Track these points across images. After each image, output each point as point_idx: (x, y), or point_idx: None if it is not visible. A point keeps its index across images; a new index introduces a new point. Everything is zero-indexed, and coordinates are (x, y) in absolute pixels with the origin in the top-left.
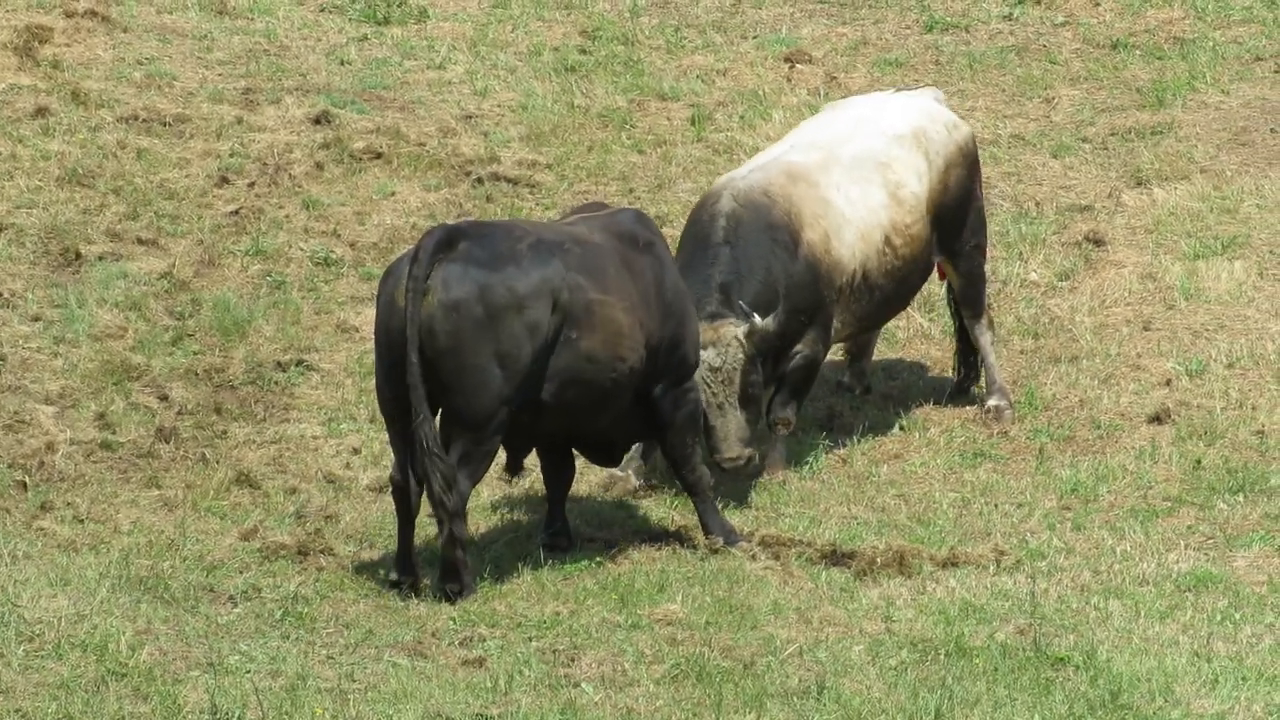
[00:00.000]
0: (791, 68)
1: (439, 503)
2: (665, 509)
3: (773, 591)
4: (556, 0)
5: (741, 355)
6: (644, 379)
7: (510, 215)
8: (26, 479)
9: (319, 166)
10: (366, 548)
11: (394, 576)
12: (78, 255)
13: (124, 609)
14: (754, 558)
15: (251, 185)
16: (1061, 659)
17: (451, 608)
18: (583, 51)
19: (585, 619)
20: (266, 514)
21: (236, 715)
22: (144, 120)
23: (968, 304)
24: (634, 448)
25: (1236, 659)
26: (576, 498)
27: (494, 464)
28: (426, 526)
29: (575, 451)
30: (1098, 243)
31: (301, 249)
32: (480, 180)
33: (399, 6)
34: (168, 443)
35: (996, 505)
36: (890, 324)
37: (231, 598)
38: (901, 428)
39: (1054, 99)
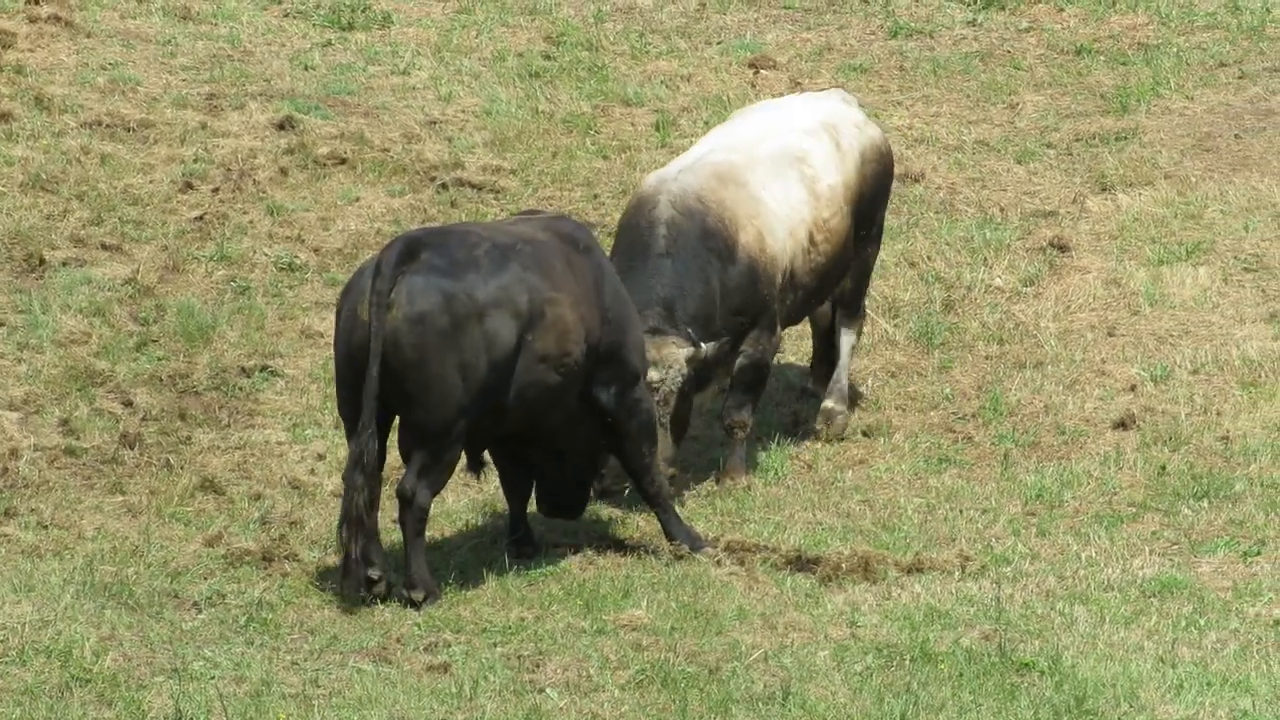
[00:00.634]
0: (756, 73)
1: (358, 520)
2: (630, 514)
3: (738, 597)
4: (521, 6)
5: (681, 379)
6: (586, 379)
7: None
8: None
9: (283, 172)
10: (331, 553)
11: (373, 574)
12: (42, 261)
13: (88, 615)
14: (719, 563)
15: (216, 191)
16: (1026, 664)
17: (416, 614)
18: (547, 57)
19: (550, 624)
20: (231, 520)
21: None
22: (108, 126)
23: (845, 304)
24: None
25: (1201, 664)
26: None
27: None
28: (393, 532)
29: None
30: (1062, 248)
31: (266, 254)
32: (445, 186)
33: (363, 12)
34: (132, 449)
35: (961, 511)
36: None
37: (196, 604)
38: (866, 433)
39: (1018, 105)
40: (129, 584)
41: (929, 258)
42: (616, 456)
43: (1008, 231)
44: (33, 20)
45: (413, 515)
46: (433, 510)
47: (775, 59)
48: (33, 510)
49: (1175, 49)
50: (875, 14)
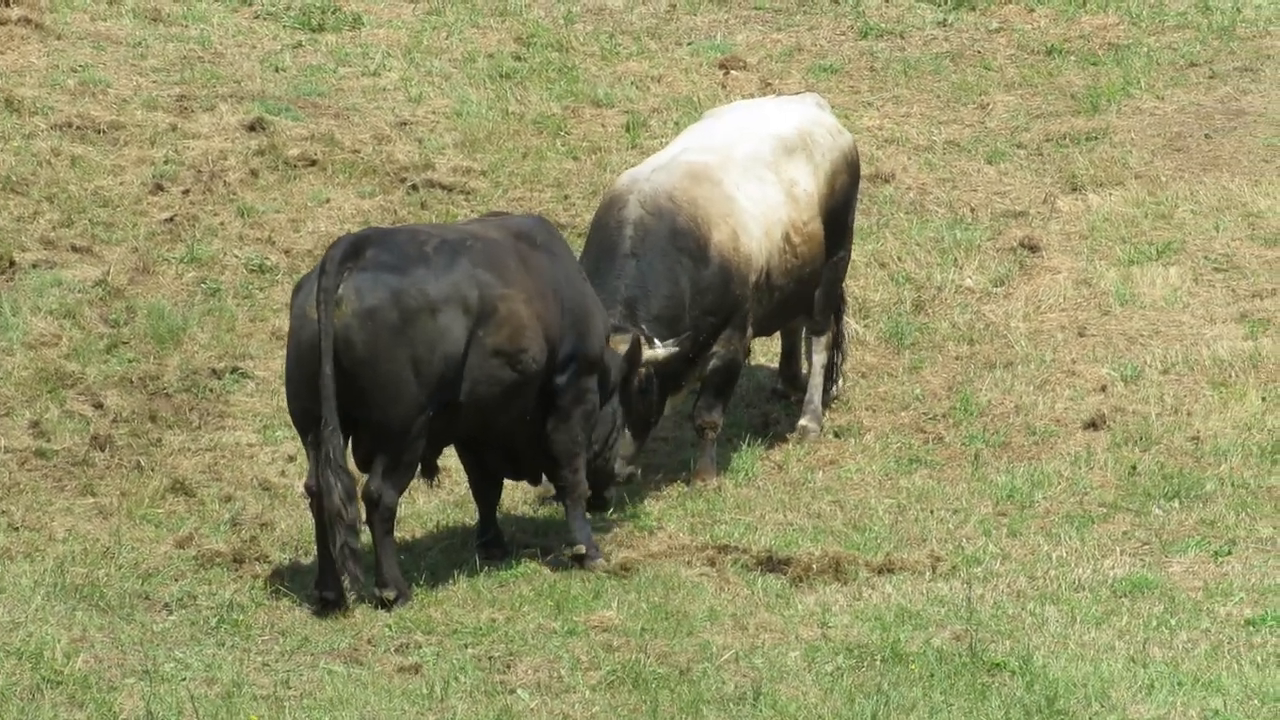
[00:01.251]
0: (726, 74)
1: (337, 516)
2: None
3: (709, 598)
4: (491, 7)
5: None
6: (546, 375)
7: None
8: None
9: (253, 173)
10: (302, 555)
11: (327, 595)
12: (12, 263)
13: (59, 617)
14: (689, 564)
15: (186, 192)
16: (997, 665)
17: (387, 615)
18: (517, 58)
19: (521, 625)
20: (202, 521)
21: None
22: (78, 127)
23: (814, 317)
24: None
25: (1172, 664)
26: (514, 504)
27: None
28: (362, 534)
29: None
30: (1033, 248)
31: (236, 256)
32: (415, 187)
33: (333, 14)
34: (102, 450)
35: (932, 511)
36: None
37: (167, 605)
38: (837, 434)
39: (989, 105)
40: (100, 586)
41: (899, 258)
42: (549, 439)
43: (978, 232)
44: (3, 22)
45: (380, 517)
46: (403, 511)
47: (745, 60)
48: (3, 512)
49: (1146, 49)
50: (845, 15)
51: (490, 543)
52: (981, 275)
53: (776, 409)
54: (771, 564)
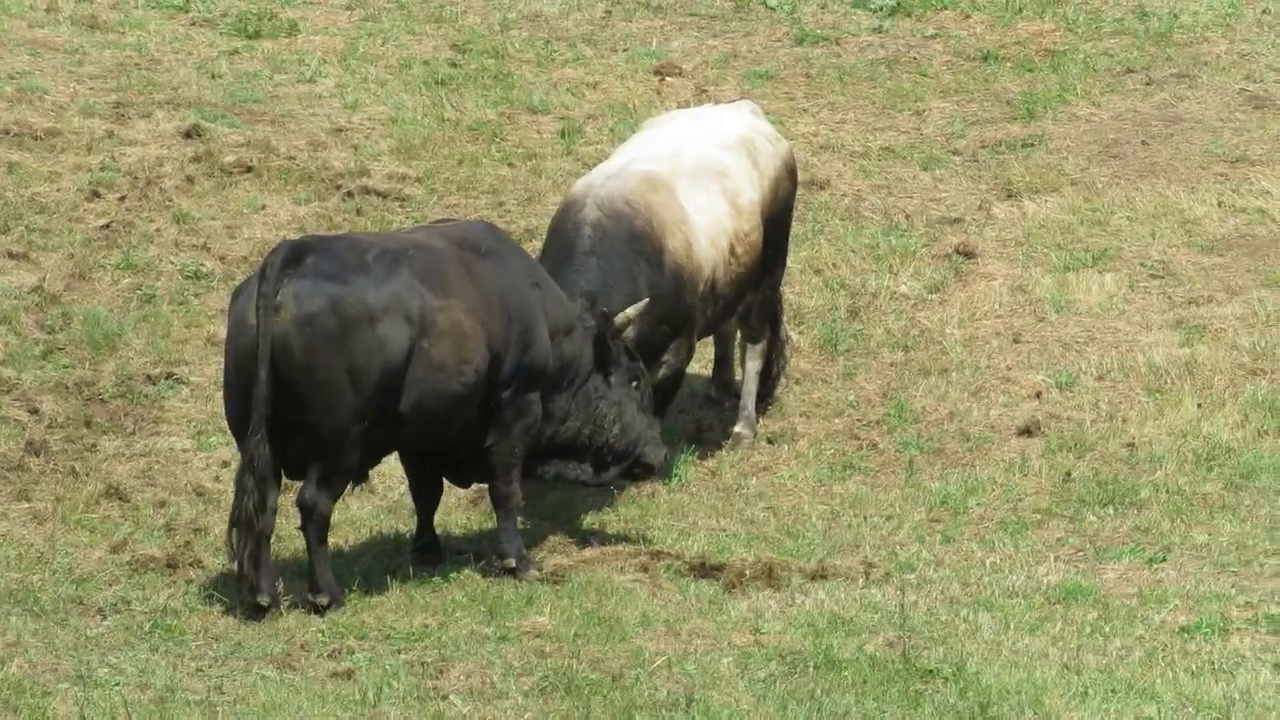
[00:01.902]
0: (662, 80)
1: (248, 522)
2: (531, 519)
3: (641, 604)
4: (426, 14)
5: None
6: (489, 386)
7: (381, 229)
8: None
9: (189, 180)
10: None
11: (262, 600)
12: None
13: None
14: (622, 570)
15: (122, 199)
16: (930, 671)
17: (320, 620)
18: (453, 65)
19: (454, 631)
20: (136, 527)
21: None
22: (15, 134)
23: (747, 324)
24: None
25: (1106, 671)
26: (445, 510)
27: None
28: (296, 539)
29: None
30: (968, 255)
31: (172, 263)
32: (350, 194)
33: (269, 20)
34: (37, 456)
35: (865, 518)
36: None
37: (101, 610)
38: (770, 440)
39: (924, 111)
40: (34, 591)
41: (834, 265)
42: (489, 450)
43: (913, 238)
44: None
45: (314, 524)
46: (336, 517)
47: (681, 66)
48: None
49: (1082, 55)
50: (781, 21)
51: (426, 547)
52: (916, 282)
53: (710, 415)
54: (704, 570)
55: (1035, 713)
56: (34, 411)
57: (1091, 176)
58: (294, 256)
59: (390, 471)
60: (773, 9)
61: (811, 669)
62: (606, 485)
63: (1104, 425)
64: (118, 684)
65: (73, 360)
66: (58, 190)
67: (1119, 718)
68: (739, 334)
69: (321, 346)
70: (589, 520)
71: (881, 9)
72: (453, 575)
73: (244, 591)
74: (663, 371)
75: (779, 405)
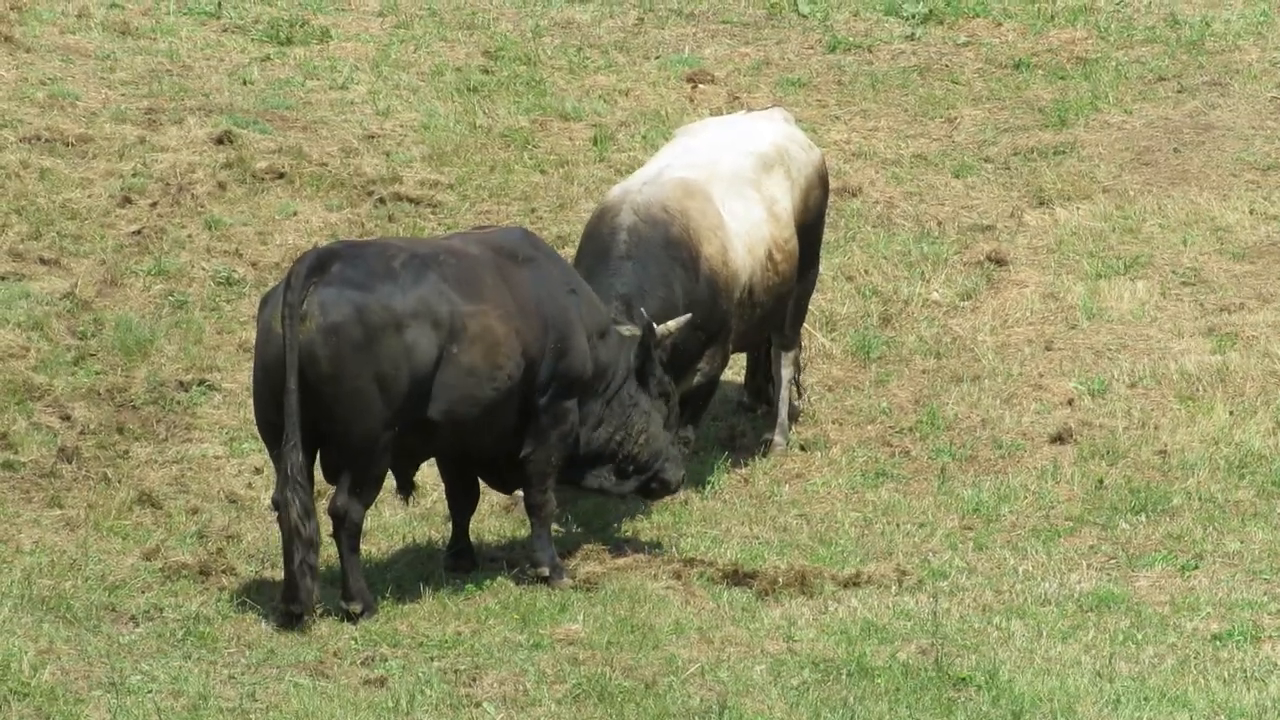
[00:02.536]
0: (694, 88)
1: (295, 531)
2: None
3: (674, 611)
4: (459, 20)
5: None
6: (525, 392)
7: (413, 235)
8: None
9: (221, 186)
10: (268, 567)
11: (293, 608)
12: None
13: (26, 629)
14: (655, 577)
15: (154, 205)
16: (963, 679)
17: (353, 628)
18: (485, 71)
19: (487, 639)
20: (168, 534)
21: None
22: (47, 140)
23: (780, 332)
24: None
25: (1139, 679)
26: (478, 517)
27: (388, 483)
28: (328, 547)
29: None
30: (1000, 262)
31: (204, 269)
32: (382, 200)
33: (301, 27)
34: (70, 462)
35: (898, 525)
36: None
37: (133, 617)
38: (803, 447)
39: (956, 119)
40: (67, 597)
41: (866, 272)
42: (525, 459)
43: (945, 246)
44: None
45: (346, 532)
46: (369, 525)
47: (713, 74)
48: None
49: (1114, 63)
50: (813, 29)
51: (460, 554)
52: (948, 289)
53: (743, 422)
54: (737, 577)
55: None
56: (66, 418)
57: (1123, 184)
58: (319, 265)
59: (421, 479)
60: (805, 17)
61: (844, 676)
62: (622, 496)
63: (1136, 432)
64: (150, 691)
65: (105, 366)
66: (89, 196)
67: None
68: (772, 342)
69: (347, 355)
70: (622, 528)
71: (914, 17)
72: (486, 583)
73: (291, 602)
74: (697, 379)
75: (812, 413)
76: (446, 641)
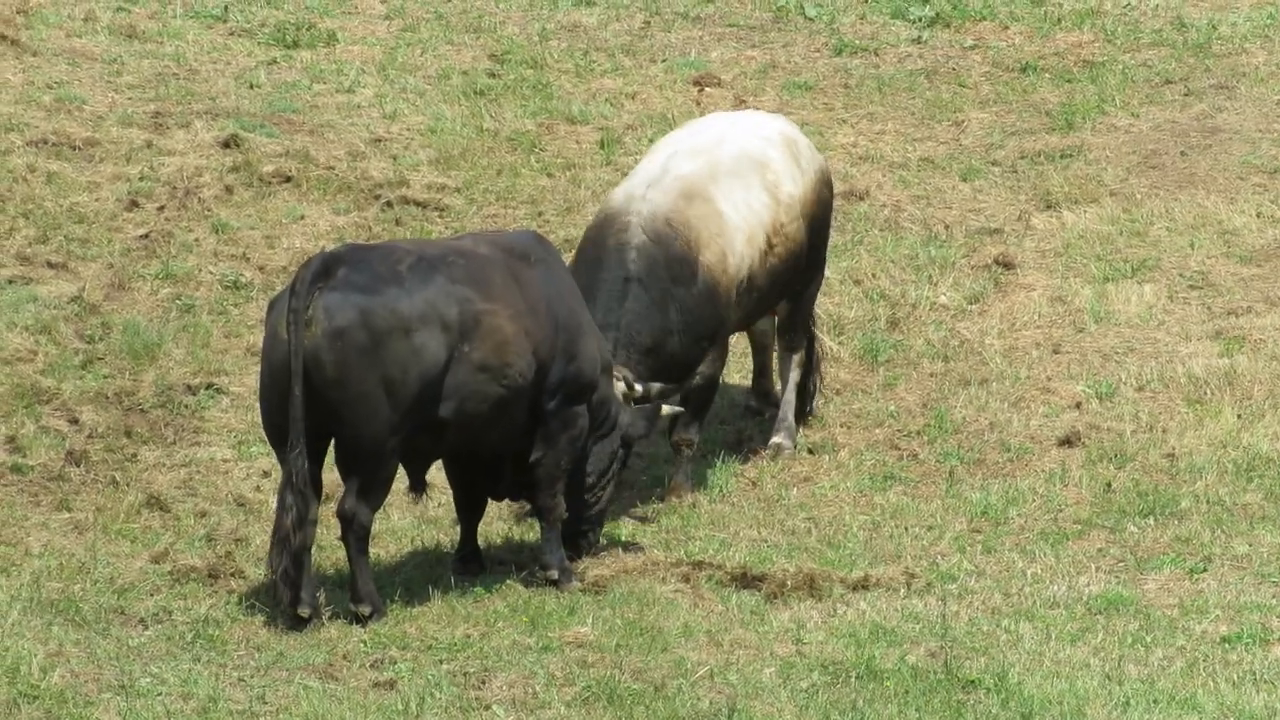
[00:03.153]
0: (700, 91)
1: (285, 538)
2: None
3: (683, 614)
4: (465, 24)
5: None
6: (535, 393)
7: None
8: None
9: (228, 190)
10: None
11: (303, 611)
12: None
13: (35, 632)
14: (664, 580)
15: (161, 209)
16: (972, 681)
17: (362, 630)
18: (491, 75)
19: (496, 641)
20: (177, 537)
21: None
22: (53, 144)
23: (786, 334)
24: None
25: (1148, 682)
26: (487, 520)
27: (399, 483)
28: (338, 550)
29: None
30: (1007, 266)
31: (211, 272)
32: (389, 203)
33: (308, 30)
34: (78, 466)
35: (907, 528)
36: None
37: (142, 620)
38: (811, 450)
39: (963, 122)
40: (76, 601)
41: (874, 275)
42: (534, 462)
43: (953, 249)
44: None
45: (355, 534)
46: (378, 528)
47: (720, 77)
48: None
49: (1121, 66)
50: (820, 32)
51: (468, 558)
52: (956, 292)
53: (750, 425)
54: (746, 580)
55: None
56: (74, 421)
57: (1130, 187)
58: (325, 269)
59: (430, 482)
60: (811, 20)
61: (853, 679)
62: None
63: (1144, 436)
64: (160, 694)
65: (112, 370)
66: (96, 200)
67: None
68: (778, 344)
69: (353, 359)
70: (630, 531)
71: (920, 20)
72: (495, 586)
73: (280, 604)
74: (696, 380)
75: (820, 416)
76: (456, 644)
